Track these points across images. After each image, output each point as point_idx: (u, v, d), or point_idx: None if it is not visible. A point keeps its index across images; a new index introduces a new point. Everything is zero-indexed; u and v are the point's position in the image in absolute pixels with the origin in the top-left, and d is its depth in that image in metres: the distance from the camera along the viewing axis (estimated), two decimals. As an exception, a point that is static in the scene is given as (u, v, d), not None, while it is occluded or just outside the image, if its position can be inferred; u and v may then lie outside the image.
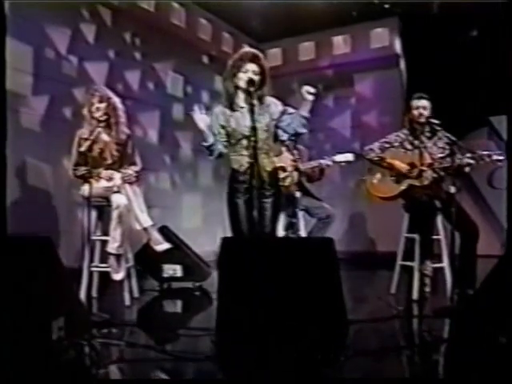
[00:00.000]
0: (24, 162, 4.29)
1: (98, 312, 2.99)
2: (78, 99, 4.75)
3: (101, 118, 3.46)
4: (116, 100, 3.54)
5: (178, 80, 6.14)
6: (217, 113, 2.96)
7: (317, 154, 6.75)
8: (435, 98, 3.81)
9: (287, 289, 1.74)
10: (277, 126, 2.95)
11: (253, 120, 2.75)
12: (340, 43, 6.92)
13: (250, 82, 2.78)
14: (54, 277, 2.09)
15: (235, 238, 2.07)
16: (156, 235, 3.33)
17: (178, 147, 6.15)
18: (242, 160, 2.88)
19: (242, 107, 2.91)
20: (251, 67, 2.85)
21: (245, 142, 2.87)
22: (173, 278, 4.07)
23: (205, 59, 6.52)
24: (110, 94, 3.55)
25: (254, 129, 2.82)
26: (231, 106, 2.93)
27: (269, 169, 2.93)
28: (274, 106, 2.96)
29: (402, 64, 6.37)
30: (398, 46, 6.43)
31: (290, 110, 2.95)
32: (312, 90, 2.79)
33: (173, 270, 4.05)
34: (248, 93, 2.79)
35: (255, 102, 2.87)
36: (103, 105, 3.47)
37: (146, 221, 3.27)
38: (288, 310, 1.72)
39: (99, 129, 3.40)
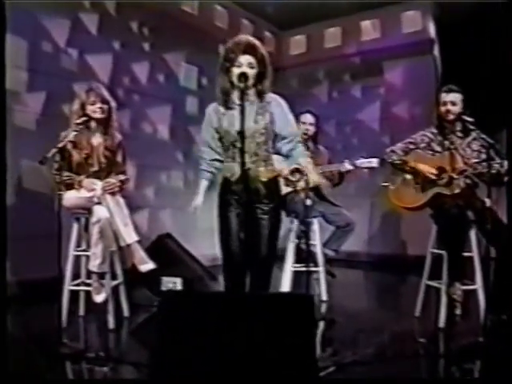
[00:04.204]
0: (19, 163, 4.03)
1: (70, 341, 2.66)
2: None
3: (97, 119, 3.14)
4: (113, 103, 3.23)
5: (191, 71, 5.75)
6: (209, 113, 2.58)
7: (343, 149, 6.36)
8: (471, 88, 3.29)
9: (245, 364, 1.33)
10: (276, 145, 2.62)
11: (244, 120, 2.29)
12: (368, 28, 6.35)
13: (242, 76, 2.36)
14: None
15: (181, 293, 1.66)
16: (141, 253, 2.96)
17: (192, 143, 5.78)
18: (234, 167, 2.47)
19: (239, 105, 2.44)
20: (245, 60, 2.44)
21: (238, 145, 2.41)
22: (172, 292, 3.73)
23: (221, 49, 6.08)
24: (109, 95, 3.23)
25: (246, 130, 2.44)
26: (226, 103, 2.52)
27: (264, 179, 2.52)
28: (276, 104, 2.55)
29: (436, 50, 5.76)
30: (431, 31, 5.81)
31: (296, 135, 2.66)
32: None
33: (173, 282, 3.71)
34: (241, 90, 2.36)
35: (253, 98, 2.51)
36: (106, 106, 3.16)
37: (130, 236, 2.91)
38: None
39: (88, 131, 3.06)
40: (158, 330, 1.54)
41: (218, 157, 2.58)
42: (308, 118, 4.03)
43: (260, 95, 2.52)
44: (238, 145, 2.38)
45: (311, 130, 4.00)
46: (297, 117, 4.07)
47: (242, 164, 2.24)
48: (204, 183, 2.67)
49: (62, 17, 4.34)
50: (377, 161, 3.71)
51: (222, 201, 2.55)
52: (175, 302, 1.50)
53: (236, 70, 2.42)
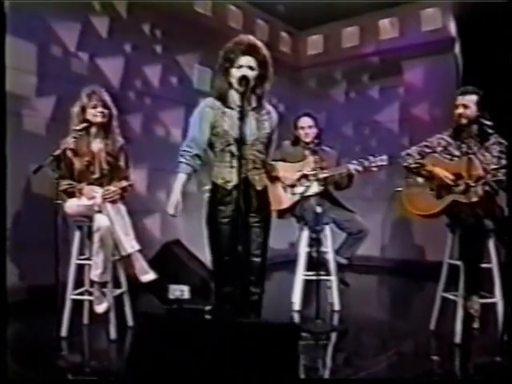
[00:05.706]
0: (27, 169, 3.99)
1: (70, 351, 2.59)
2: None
3: (97, 124, 3.07)
4: (114, 110, 3.17)
5: (205, 73, 5.66)
6: (205, 107, 2.36)
7: (361, 150, 6.17)
8: (493, 88, 3.11)
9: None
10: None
11: (244, 125, 2.21)
12: (387, 27, 6.19)
13: (243, 79, 2.24)
14: None
15: (159, 317, 1.55)
16: (142, 263, 2.88)
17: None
18: (229, 174, 2.31)
19: (240, 106, 2.24)
20: (246, 61, 2.29)
21: (235, 149, 2.28)
22: (180, 300, 3.64)
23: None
24: (110, 101, 3.16)
25: (249, 136, 2.34)
26: (224, 102, 2.37)
27: (259, 188, 2.41)
28: (274, 116, 2.48)
29: (457, 49, 5.55)
30: (452, 28, 5.60)
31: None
32: None
33: (180, 290, 3.63)
34: (241, 93, 2.24)
35: (254, 103, 2.39)
36: (107, 111, 3.09)
37: (131, 246, 2.84)
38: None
39: (88, 137, 3.00)
40: (132, 355, 1.44)
41: (200, 153, 2.36)
42: (306, 121, 3.85)
43: (260, 100, 2.40)
44: (236, 150, 2.27)
45: (312, 132, 3.82)
46: (294, 122, 3.93)
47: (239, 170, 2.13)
48: (182, 177, 2.36)
49: (71, 20, 4.30)
50: (386, 158, 3.53)
51: (213, 208, 2.36)
52: (153, 326, 1.40)
53: (236, 73, 2.30)
